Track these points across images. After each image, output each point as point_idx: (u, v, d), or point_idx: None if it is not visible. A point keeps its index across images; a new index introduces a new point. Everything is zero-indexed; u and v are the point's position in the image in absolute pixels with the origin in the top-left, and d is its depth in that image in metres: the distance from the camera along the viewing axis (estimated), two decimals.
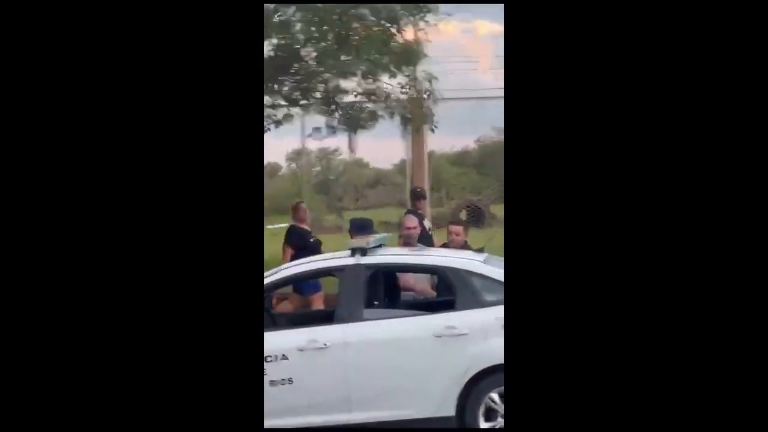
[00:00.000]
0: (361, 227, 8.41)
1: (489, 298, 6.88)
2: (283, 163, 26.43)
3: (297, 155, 14.21)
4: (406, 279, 8.09)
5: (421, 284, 7.96)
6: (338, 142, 10.37)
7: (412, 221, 9.19)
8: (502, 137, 21.59)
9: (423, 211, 11.16)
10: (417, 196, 11.08)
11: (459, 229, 9.15)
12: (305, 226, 10.66)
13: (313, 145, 8.70)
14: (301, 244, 10.06)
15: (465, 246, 8.82)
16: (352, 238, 7.98)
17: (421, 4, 8.75)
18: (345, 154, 9.44)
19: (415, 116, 8.96)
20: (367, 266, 7.16)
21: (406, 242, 8.98)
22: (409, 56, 8.57)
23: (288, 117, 9.18)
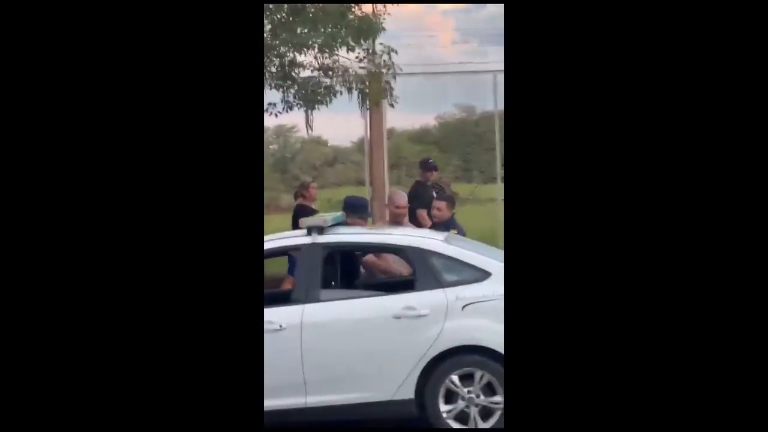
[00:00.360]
0: (355, 207, 8.03)
1: (449, 278, 6.75)
2: None
3: None
4: (387, 260, 7.87)
5: (398, 265, 7.76)
6: (295, 118, 10.16)
7: (401, 198, 8.77)
8: (463, 114, 21.50)
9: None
10: (428, 167, 10.69)
11: (442, 204, 8.87)
12: (314, 206, 10.52)
13: (269, 121, 8.57)
14: None
15: (451, 222, 8.57)
16: (346, 217, 7.77)
17: None
18: (302, 131, 9.25)
19: (373, 91, 8.76)
20: (324, 245, 6.99)
21: (395, 222, 8.66)
22: (367, 30, 8.37)
23: None
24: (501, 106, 17.57)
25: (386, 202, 9.01)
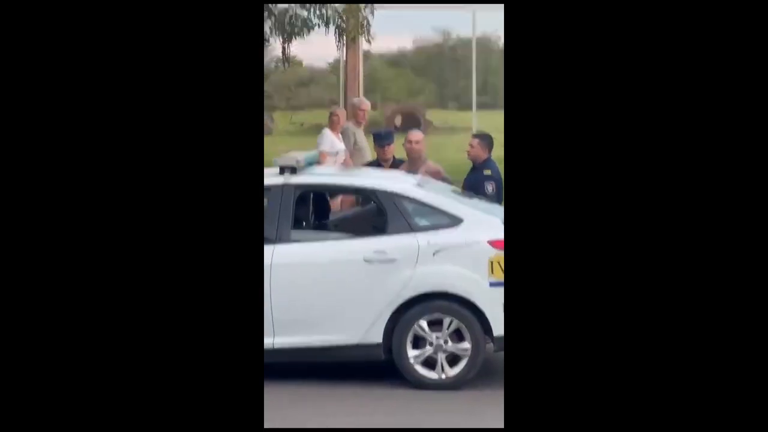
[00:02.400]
0: (381, 136, 8.55)
1: (421, 222, 6.74)
2: None
3: None
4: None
5: None
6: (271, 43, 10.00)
7: (416, 135, 8.49)
8: (441, 39, 21.24)
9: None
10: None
11: (419, 136, 8.43)
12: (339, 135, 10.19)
13: None
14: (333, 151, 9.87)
15: (489, 164, 8.04)
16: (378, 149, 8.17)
17: None
18: (277, 51, 9.02)
19: (351, 26, 8.61)
20: (296, 186, 6.94)
21: (409, 157, 8.44)
22: None
23: None
24: (479, 32, 17.44)
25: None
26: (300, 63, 24.31)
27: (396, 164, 8.55)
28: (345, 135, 10.05)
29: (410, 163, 8.42)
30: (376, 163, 8.71)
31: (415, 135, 8.51)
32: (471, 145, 8.23)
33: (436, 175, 8.04)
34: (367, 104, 10.43)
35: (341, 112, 10.59)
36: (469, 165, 8.34)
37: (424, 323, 6.57)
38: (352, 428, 5.29)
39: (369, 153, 9.87)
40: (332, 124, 10.19)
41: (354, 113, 10.35)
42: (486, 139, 8.24)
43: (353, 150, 9.99)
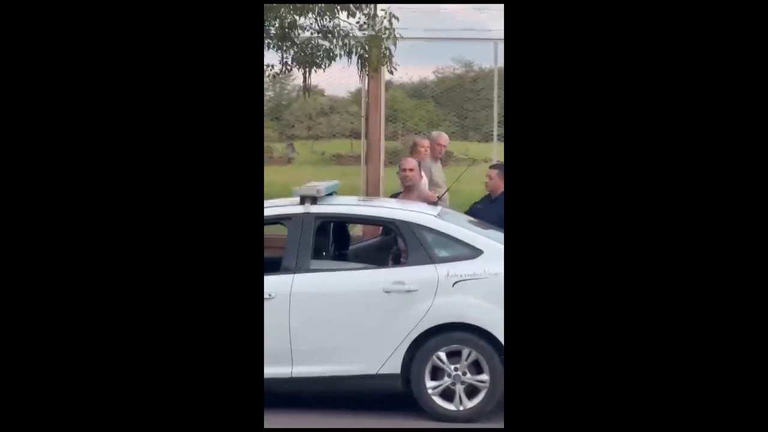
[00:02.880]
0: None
1: (440, 254, 6.74)
2: None
3: None
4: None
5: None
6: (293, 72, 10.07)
7: (409, 162, 8.60)
8: (462, 69, 21.29)
9: None
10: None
11: (494, 173, 8.22)
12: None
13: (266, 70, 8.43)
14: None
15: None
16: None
17: None
18: (298, 80, 9.05)
19: (373, 57, 8.64)
20: (317, 216, 6.96)
21: (403, 185, 8.55)
22: None
23: None
24: (501, 63, 17.46)
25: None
26: (321, 92, 24.45)
27: (396, 195, 8.62)
28: (422, 168, 9.09)
29: (405, 191, 8.52)
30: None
31: (409, 163, 8.61)
32: (489, 176, 8.26)
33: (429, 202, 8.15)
34: (445, 139, 9.85)
35: (426, 143, 9.75)
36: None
37: (442, 354, 6.56)
38: (352, 428, 5.26)
39: (445, 188, 9.37)
40: (418, 155, 9.39)
41: (432, 147, 9.62)
42: (504, 170, 8.23)
43: (430, 184, 9.23)
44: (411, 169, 8.51)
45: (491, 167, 8.60)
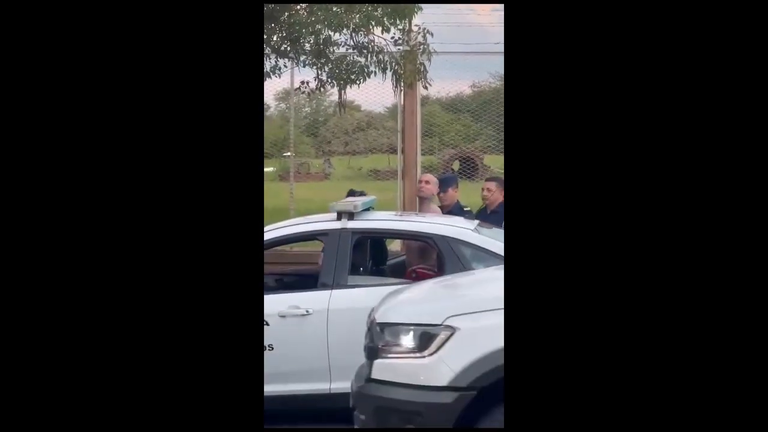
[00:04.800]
0: (444, 182, 8.88)
1: (478, 268, 6.71)
2: (272, 102, 26.06)
3: (286, 95, 13.91)
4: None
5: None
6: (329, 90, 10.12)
7: (425, 176, 8.97)
8: (499, 83, 21.23)
9: None
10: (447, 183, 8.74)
11: (492, 185, 8.41)
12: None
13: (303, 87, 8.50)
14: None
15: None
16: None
17: None
18: (334, 95, 9.02)
19: (408, 72, 8.66)
20: (354, 231, 6.96)
21: (420, 198, 8.89)
22: (403, 9, 8.26)
23: (276, 69, 8.86)
24: None
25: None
26: (358, 108, 24.50)
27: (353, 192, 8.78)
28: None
29: (420, 203, 8.89)
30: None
31: (425, 176, 9.01)
32: (488, 189, 8.35)
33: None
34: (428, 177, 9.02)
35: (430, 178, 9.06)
36: None
37: None
38: (351, 428, 5.25)
39: None
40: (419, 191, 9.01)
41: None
42: (502, 183, 8.29)
43: None
44: (427, 182, 8.76)
45: (488, 180, 8.75)
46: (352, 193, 8.49)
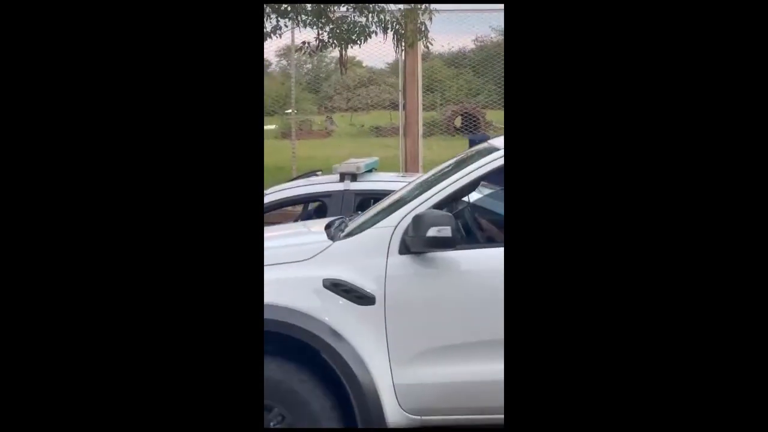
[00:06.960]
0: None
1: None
2: (272, 59, 25.91)
3: (288, 51, 13.78)
4: None
5: None
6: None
7: None
8: (501, 38, 21.11)
9: None
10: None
11: None
12: None
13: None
14: None
15: None
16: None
17: None
18: (336, 51, 8.87)
19: (409, 32, 8.61)
20: (357, 192, 6.98)
21: None
22: None
23: (277, 29, 8.82)
24: None
25: None
26: (359, 64, 24.35)
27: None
28: None
29: None
30: None
31: None
32: None
33: None
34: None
35: None
36: None
37: None
38: (351, 427, 5.29)
39: None
40: None
41: None
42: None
43: None
44: None
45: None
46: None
